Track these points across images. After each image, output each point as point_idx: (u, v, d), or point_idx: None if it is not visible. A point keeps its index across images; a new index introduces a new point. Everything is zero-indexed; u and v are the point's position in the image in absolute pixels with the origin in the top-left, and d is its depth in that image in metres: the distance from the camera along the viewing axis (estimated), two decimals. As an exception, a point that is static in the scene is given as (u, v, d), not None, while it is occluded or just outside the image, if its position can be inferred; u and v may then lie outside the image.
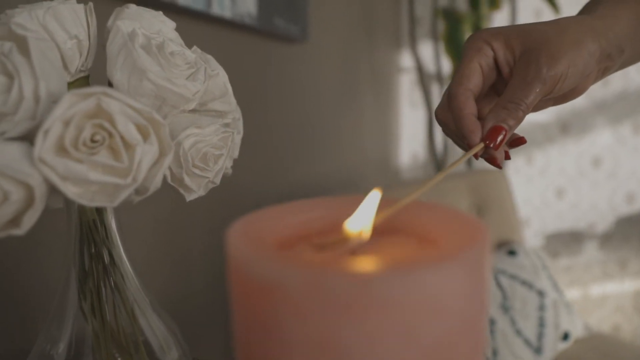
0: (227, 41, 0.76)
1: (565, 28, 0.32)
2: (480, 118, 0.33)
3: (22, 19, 0.28)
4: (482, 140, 0.31)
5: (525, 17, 1.32)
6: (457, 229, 0.19)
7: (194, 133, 0.32)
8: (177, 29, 0.59)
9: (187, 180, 0.33)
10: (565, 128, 1.39)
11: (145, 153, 0.27)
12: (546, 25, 0.32)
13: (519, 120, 0.31)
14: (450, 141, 1.33)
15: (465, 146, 0.32)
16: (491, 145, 0.30)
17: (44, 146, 0.24)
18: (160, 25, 0.35)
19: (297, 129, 0.95)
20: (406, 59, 1.37)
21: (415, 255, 0.18)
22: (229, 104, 0.37)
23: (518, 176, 1.40)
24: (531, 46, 0.31)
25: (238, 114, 0.39)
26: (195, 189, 0.34)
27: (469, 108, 0.32)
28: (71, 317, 0.36)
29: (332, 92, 1.06)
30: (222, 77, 0.37)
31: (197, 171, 0.33)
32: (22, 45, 0.27)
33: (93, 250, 0.35)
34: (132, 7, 0.35)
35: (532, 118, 1.40)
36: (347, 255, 0.19)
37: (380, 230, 0.23)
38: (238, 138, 0.39)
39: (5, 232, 0.26)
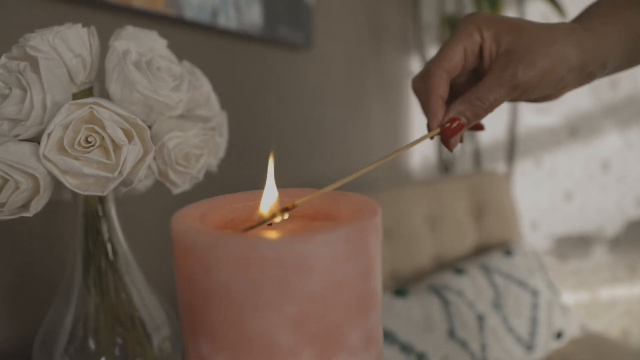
0: (234, 51, 0.81)
1: (554, 40, 0.32)
2: (455, 91, 0.35)
3: (36, 42, 0.34)
4: (440, 126, 0.32)
5: (532, 21, 1.33)
6: (358, 212, 0.23)
7: (177, 135, 0.38)
8: (184, 42, 0.66)
9: (172, 175, 0.39)
10: (573, 132, 1.39)
11: (130, 152, 0.32)
12: (538, 31, 0.32)
13: (479, 117, 0.33)
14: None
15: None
16: (446, 133, 0.32)
17: (47, 146, 0.30)
18: (152, 43, 0.41)
19: (304, 135, 1.00)
20: (414, 64, 1.40)
21: (307, 229, 0.23)
22: (213, 110, 0.43)
23: (526, 179, 1.41)
24: (515, 48, 0.32)
25: (222, 118, 0.45)
26: (180, 183, 0.40)
27: (440, 90, 0.33)
28: (76, 294, 0.42)
29: (339, 97, 1.11)
30: (206, 87, 0.42)
31: (180, 168, 0.38)
32: (34, 64, 0.33)
33: (96, 235, 0.41)
34: (130, 28, 0.41)
35: (540, 122, 1.41)
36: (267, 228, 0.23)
37: (311, 216, 0.28)
38: (221, 140, 0.44)
39: (17, 214, 0.32)
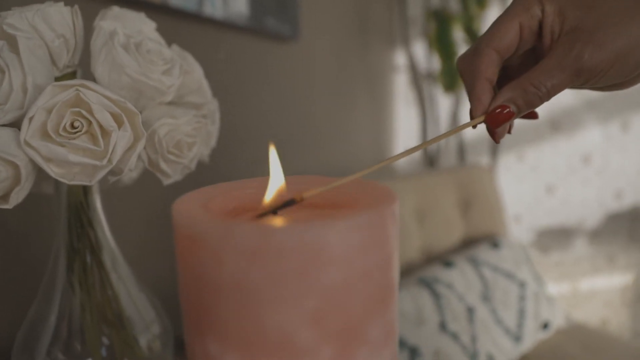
0: (220, 41, 0.79)
1: (634, 15, 0.26)
2: (508, 74, 0.31)
3: (14, 20, 0.32)
4: (485, 114, 0.28)
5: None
6: (373, 199, 0.22)
7: (168, 122, 0.36)
8: (169, 30, 0.63)
9: (163, 165, 0.36)
10: (555, 126, 1.41)
11: (120, 138, 0.30)
12: (615, 4, 0.27)
13: (533, 106, 0.28)
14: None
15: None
16: (492, 122, 0.28)
17: (29, 131, 0.28)
18: (141, 25, 0.38)
19: (290, 127, 0.98)
20: (400, 58, 1.40)
21: (322, 216, 0.22)
22: (204, 97, 0.40)
23: (509, 173, 1.42)
24: (583, 25, 0.27)
25: (214, 106, 0.43)
26: (171, 173, 0.38)
27: (488, 72, 0.29)
28: (60, 291, 0.39)
29: (325, 90, 1.09)
30: (197, 72, 0.40)
31: (172, 157, 0.36)
32: (13, 44, 0.31)
33: (80, 228, 0.39)
34: (115, 8, 0.38)
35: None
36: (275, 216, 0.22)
37: (318, 204, 0.26)
38: (214, 128, 0.42)
39: (-4, 206, 0.29)
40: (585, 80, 0.27)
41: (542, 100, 0.28)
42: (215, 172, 0.74)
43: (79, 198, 0.38)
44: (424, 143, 0.27)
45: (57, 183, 0.38)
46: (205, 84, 0.40)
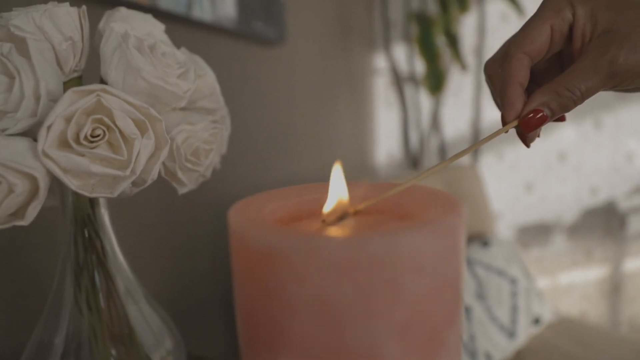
0: (208, 44, 0.77)
1: None
2: (531, 79, 0.30)
3: (20, 21, 0.29)
4: (518, 118, 0.28)
5: (492, 21, 1.38)
6: (435, 205, 0.21)
7: (186, 129, 0.34)
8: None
9: (180, 174, 0.35)
10: (532, 125, 1.46)
11: (143, 147, 0.28)
12: None
13: (566, 110, 0.28)
14: (424, 140, 1.38)
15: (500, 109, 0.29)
16: (526, 127, 0.28)
17: (47, 141, 0.26)
18: (149, 27, 0.37)
19: (276, 130, 0.97)
20: (381, 61, 1.41)
21: (399, 224, 0.21)
22: (217, 102, 0.39)
23: (490, 172, 1.46)
24: (617, 28, 0.27)
25: (225, 111, 0.41)
26: (187, 182, 0.36)
27: (520, 77, 0.28)
28: (67, 310, 0.37)
29: (309, 93, 1.09)
30: (210, 76, 0.38)
31: (189, 165, 0.35)
32: (21, 46, 0.28)
33: (87, 244, 0.37)
34: (123, 9, 0.36)
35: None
36: (335, 227, 0.21)
37: (365, 212, 0.25)
38: (226, 134, 0.41)
39: (9, 223, 0.27)
40: (619, 82, 0.27)
41: (575, 104, 0.28)
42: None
43: (86, 210, 0.36)
44: (477, 143, 0.27)
45: (62, 195, 0.36)
46: (218, 89, 0.39)
